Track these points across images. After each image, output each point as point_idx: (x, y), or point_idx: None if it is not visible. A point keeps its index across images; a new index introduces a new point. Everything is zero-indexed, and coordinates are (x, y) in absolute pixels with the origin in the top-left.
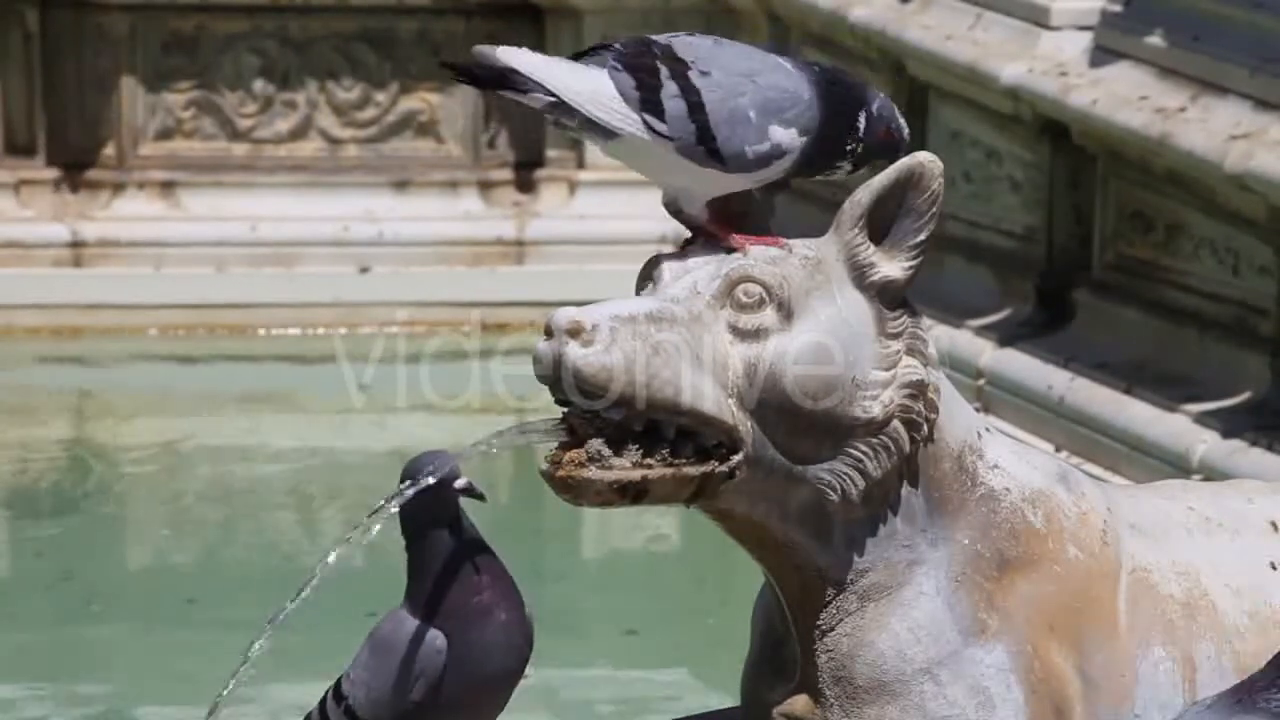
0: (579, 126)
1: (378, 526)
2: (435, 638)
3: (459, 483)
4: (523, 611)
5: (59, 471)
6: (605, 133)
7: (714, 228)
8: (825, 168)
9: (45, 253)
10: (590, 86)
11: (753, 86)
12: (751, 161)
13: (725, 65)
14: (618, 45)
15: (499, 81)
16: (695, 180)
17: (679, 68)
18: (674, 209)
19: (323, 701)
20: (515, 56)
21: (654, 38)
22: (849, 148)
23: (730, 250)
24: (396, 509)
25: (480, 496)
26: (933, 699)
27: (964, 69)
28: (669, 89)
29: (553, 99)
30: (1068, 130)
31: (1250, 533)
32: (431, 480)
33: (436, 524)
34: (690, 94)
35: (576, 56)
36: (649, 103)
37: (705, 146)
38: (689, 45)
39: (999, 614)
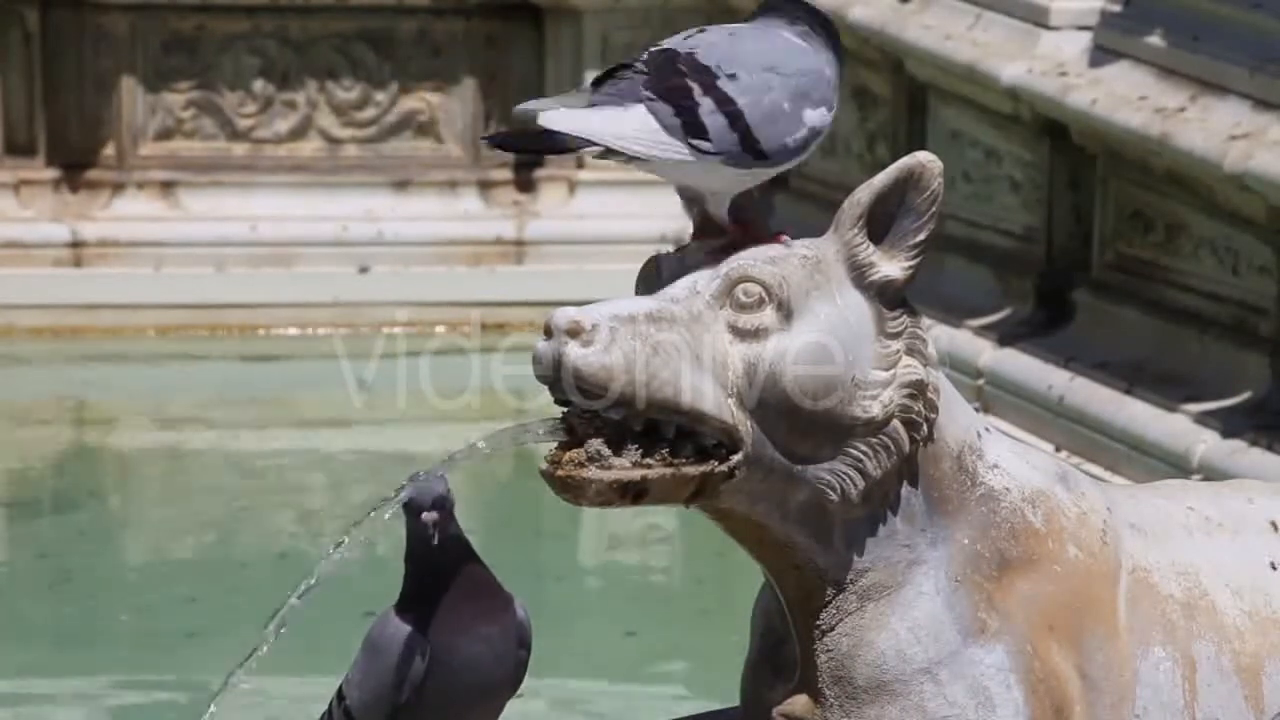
0: (626, 161)
1: (341, 550)
2: (417, 643)
3: (425, 515)
4: (510, 622)
5: (59, 471)
6: (647, 160)
7: (736, 228)
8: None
9: (45, 253)
10: (633, 128)
11: (779, 79)
12: (793, 151)
13: (747, 63)
14: (640, 66)
15: (542, 146)
16: (731, 182)
17: (708, 79)
18: (696, 207)
19: (331, 701)
20: (552, 119)
21: (674, 48)
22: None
23: (734, 247)
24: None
25: (432, 536)
26: (932, 699)
27: (964, 69)
28: (705, 105)
29: (600, 148)
30: (1067, 130)
31: (1250, 533)
32: (400, 502)
33: (419, 539)
34: (725, 104)
35: (601, 80)
36: (691, 125)
37: (751, 152)
38: (710, 49)
39: (999, 614)
